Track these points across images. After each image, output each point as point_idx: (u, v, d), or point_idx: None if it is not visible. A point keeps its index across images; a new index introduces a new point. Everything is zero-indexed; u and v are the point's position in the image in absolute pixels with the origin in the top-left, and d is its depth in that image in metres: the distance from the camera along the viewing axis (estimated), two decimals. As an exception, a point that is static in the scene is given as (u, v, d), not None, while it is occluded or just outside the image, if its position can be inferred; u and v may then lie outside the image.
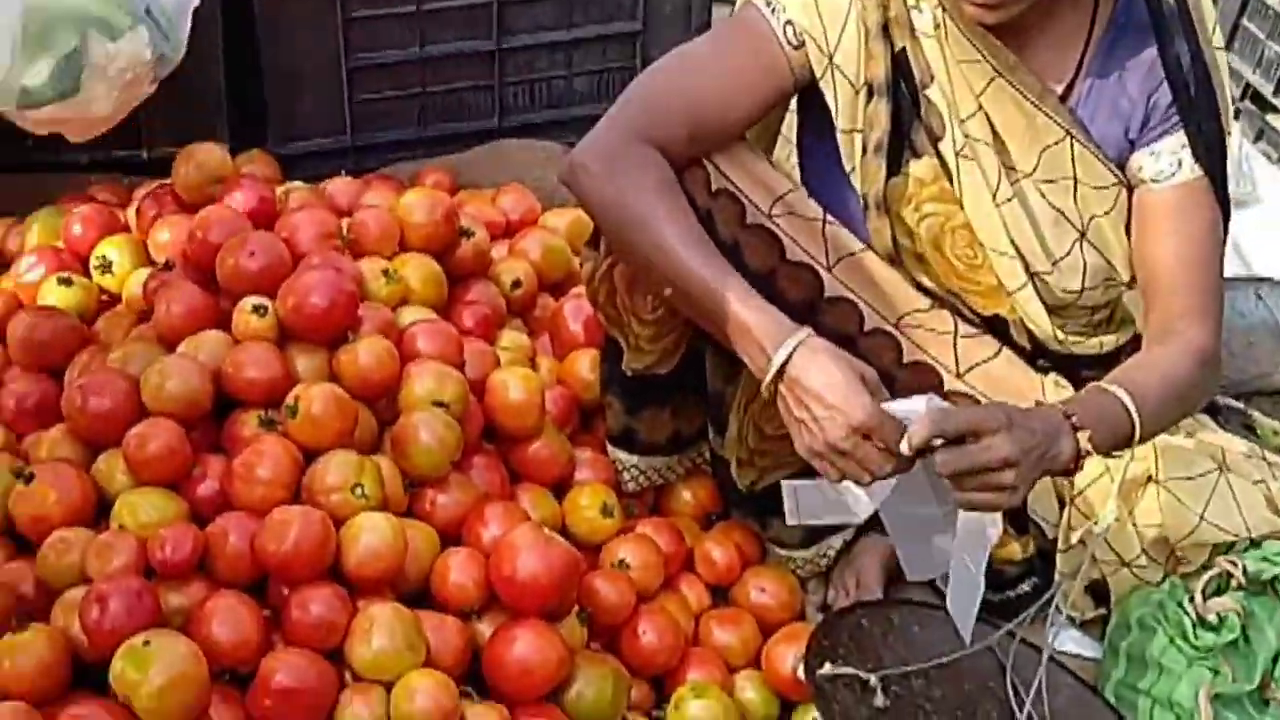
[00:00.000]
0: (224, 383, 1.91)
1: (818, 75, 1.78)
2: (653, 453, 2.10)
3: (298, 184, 2.45)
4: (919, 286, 1.86)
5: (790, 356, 1.60)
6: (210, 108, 2.67)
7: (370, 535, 1.77)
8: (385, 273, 2.11)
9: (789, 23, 1.76)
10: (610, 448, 2.11)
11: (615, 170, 1.70)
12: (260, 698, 1.66)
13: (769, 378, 1.62)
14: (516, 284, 2.33)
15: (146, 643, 1.60)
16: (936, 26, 1.76)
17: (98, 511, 1.84)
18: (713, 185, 1.79)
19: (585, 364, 2.19)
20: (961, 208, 1.81)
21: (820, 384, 1.57)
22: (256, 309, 1.97)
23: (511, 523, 1.87)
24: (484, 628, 1.82)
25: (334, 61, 2.73)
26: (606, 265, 1.90)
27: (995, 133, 1.80)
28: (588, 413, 2.22)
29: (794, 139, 2.01)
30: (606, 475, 2.12)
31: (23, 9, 2.10)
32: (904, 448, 1.54)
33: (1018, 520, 1.97)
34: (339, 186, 2.37)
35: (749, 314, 1.63)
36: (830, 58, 1.76)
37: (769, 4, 1.77)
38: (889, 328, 1.82)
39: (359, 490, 1.81)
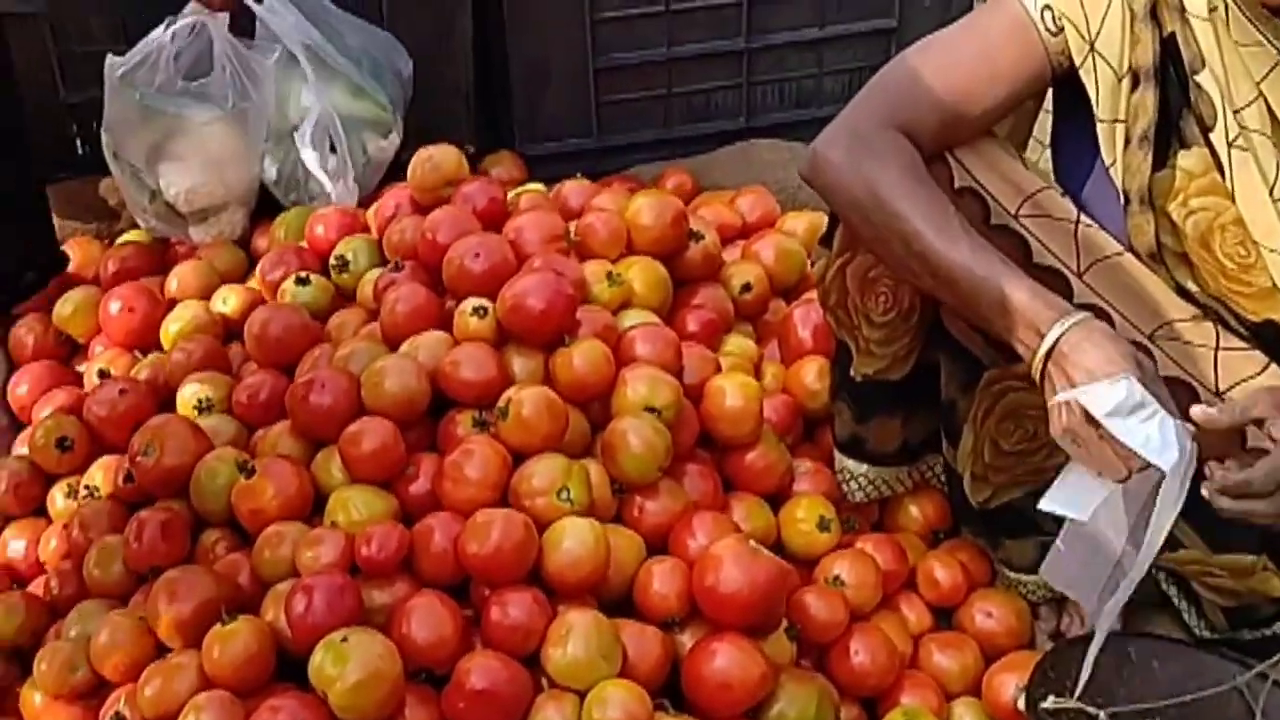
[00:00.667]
0: (441, 383, 1.93)
1: (1077, 62, 1.66)
2: (881, 462, 2.02)
3: (532, 186, 2.46)
4: (1181, 291, 1.72)
5: (1064, 333, 1.52)
6: (458, 109, 2.72)
7: (572, 541, 1.75)
8: (609, 275, 2.09)
9: (1047, 7, 1.65)
10: (838, 455, 2.03)
11: (860, 158, 1.63)
12: (455, 699, 1.65)
13: (1040, 354, 1.54)
14: (746, 288, 2.27)
15: (345, 639, 1.62)
16: (1213, 9, 1.63)
17: (316, 507, 1.88)
18: (956, 182, 1.70)
19: (812, 372, 2.12)
20: (1233, 202, 1.67)
21: (1094, 359, 1.50)
22: (476, 310, 1.97)
23: (719, 533, 1.82)
24: (685, 639, 1.78)
25: (581, 62, 2.74)
26: (838, 265, 1.82)
27: (1276, 122, 1.65)
28: (812, 423, 2.15)
29: (1047, 141, 1.90)
30: (826, 488, 2.04)
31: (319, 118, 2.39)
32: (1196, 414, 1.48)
33: (1278, 554, 1.80)
34: (572, 189, 2.37)
35: (1021, 294, 1.56)
36: (1091, 44, 1.65)
37: None
38: (1142, 339, 1.69)
39: (564, 494, 1.79)
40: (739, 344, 2.20)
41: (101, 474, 2.03)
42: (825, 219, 2.29)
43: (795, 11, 2.78)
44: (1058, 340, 1.53)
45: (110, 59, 2.30)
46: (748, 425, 1.99)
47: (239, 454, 1.92)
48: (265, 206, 2.51)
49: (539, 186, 2.41)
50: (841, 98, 2.86)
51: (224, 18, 2.26)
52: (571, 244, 2.14)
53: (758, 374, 2.18)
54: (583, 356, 1.92)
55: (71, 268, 2.45)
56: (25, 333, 2.34)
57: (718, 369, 2.07)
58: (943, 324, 1.80)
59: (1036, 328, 1.54)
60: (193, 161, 2.37)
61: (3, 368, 2.34)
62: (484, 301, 1.97)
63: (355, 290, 2.21)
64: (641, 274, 2.14)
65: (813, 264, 1.98)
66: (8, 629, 1.87)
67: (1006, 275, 1.57)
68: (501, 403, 1.86)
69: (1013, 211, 1.70)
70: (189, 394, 2.06)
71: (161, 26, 2.28)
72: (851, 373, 1.91)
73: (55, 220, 2.53)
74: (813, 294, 2.29)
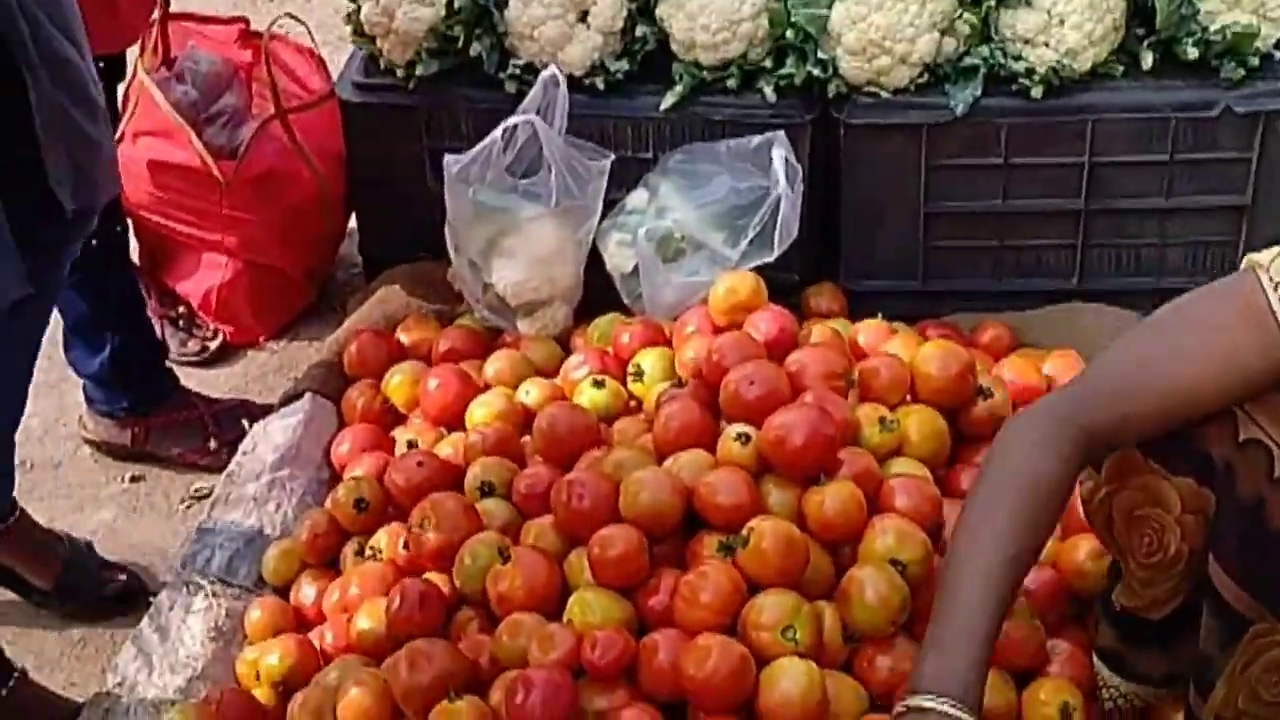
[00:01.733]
0: (695, 502, 1.99)
1: None
2: (1142, 682, 1.92)
3: (839, 321, 2.50)
4: None
5: (932, 710, 1.45)
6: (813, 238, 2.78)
7: (788, 681, 1.77)
8: (882, 420, 2.10)
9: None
10: (1096, 659, 1.95)
11: (1026, 436, 1.59)
12: (648, 815, 1.70)
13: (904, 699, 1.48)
14: (1035, 453, 2.22)
15: (551, 736, 1.70)
16: None
17: (564, 603, 1.97)
18: (1240, 435, 1.59)
19: (1084, 550, 2.05)
20: None
21: None
22: (740, 436, 2.03)
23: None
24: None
25: (913, 205, 2.76)
26: (1105, 493, 1.74)
27: None
28: (1081, 603, 2.08)
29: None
30: (1080, 675, 1.96)
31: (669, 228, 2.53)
32: None
33: None
34: (866, 328, 2.40)
35: (963, 645, 1.49)
36: None
37: (1270, 274, 1.52)
38: None
39: (790, 633, 1.81)
40: (1014, 509, 2.16)
41: (386, 538, 2.19)
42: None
43: (1140, 179, 2.70)
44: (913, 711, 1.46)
45: (448, 157, 2.50)
46: (1000, 592, 1.95)
47: (502, 539, 2.04)
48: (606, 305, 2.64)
49: (835, 324, 2.44)
50: (1185, 270, 2.76)
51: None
52: (850, 384, 2.17)
53: (1031, 543, 2.12)
54: (833, 498, 1.94)
55: (408, 343, 2.65)
56: (357, 396, 2.55)
57: (980, 531, 2.03)
58: (1212, 580, 1.71)
59: (918, 676, 1.48)
60: (521, 257, 2.54)
61: (333, 425, 2.56)
62: (749, 429, 2.03)
63: (644, 399, 2.31)
64: (918, 423, 2.14)
65: (1080, 483, 1.90)
66: (279, 669, 2.05)
67: (966, 617, 1.50)
68: (744, 531, 1.90)
69: None
70: (474, 475, 2.20)
71: (500, 128, 2.47)
72: (1114, 595, 1.84)
73: (404, 296, 2.75)
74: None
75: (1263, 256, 1.54)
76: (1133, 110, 2.65)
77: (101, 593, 2.34)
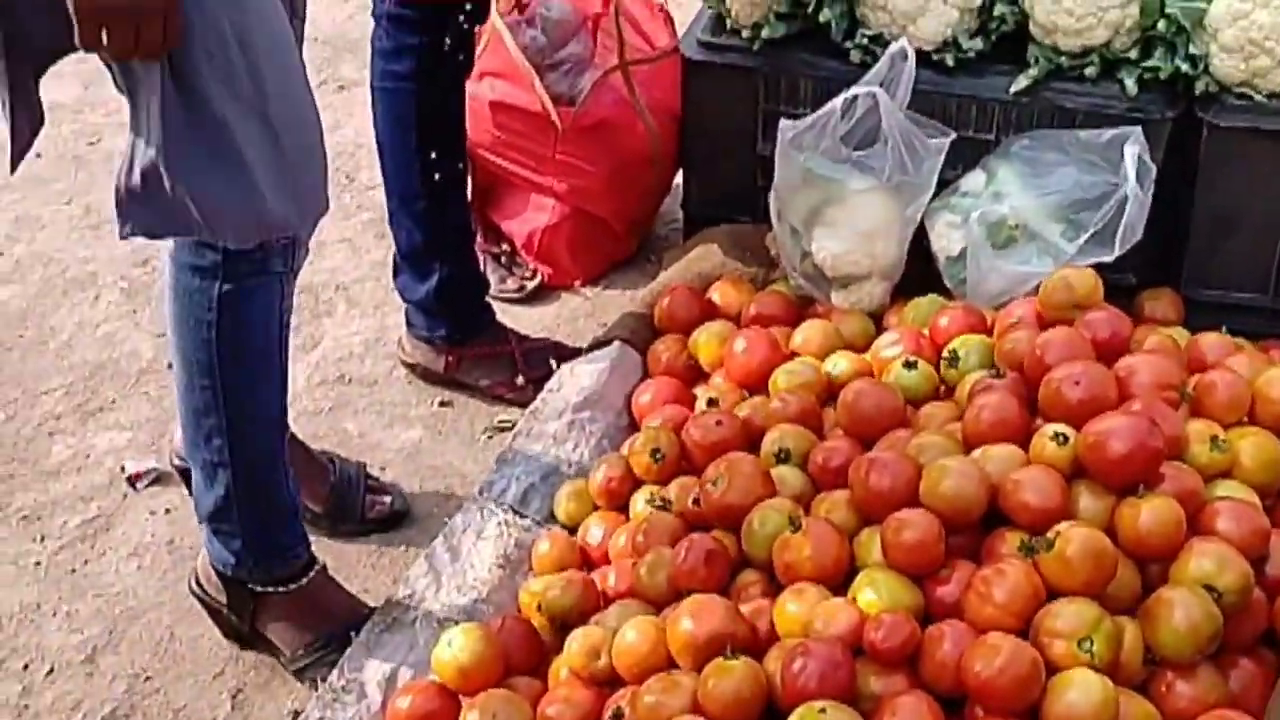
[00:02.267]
0: (1001, 498, 1.90)
1: None
2: None
3: (1177, 330, 2.36)
4: None
5: None
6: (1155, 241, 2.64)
7: (1078, 693, 1.67)
8: (1214, 439, 1.97)
9: None
10: None
11: None
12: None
13: None
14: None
15: (823, 710, 1.66)
16: None
17: (851, 580, 1.92)
18: None
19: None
20: None
21: None
22: (1057, 436, 1.93)
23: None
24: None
25: (1275, 217, 2.57)
26: None
27: None
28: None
29: None
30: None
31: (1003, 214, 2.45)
32: None
33: None
34: (1210, 341, 2.25)
35: None
36: None
37: None
38: None
39: (1086, 645, 1.72)
40: (1353, 553, 1.99)
41: (678, 490, 2.18)
42: None
43: None
44: None
45: (784, 122, 2.46)
46: (1323, 638, 1.80)
47: (794, 507, 2.00)
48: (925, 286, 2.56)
49: (1174, 333, 2.30)
50: None
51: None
52: (1185, 397, 2.03)
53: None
54: (1152, 512, 1.82)
55: (719, 302, 2.64)
56: (664, 349, 2.55)
57: (1311, 569, 1.88)
58: None
59: None
60: (844, 229, 2.49)
61: (638, 375, 2.57)
62: (1068, 429, 1.93)
63: (957, 386, 2.22)
64: (1254, 447, 1.99)
65: None
66: (561, 603, 2.06)
67: None
68: (1050, 533, 1.81)
69: None
70: (771, 441, 2.17)
71: (840, 97, 2.42)
72: None
73: (720, 256, 2.74)
74: None
75: None
76: None
77: (366, 515, 2.41)
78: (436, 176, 2.41)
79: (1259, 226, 2.58)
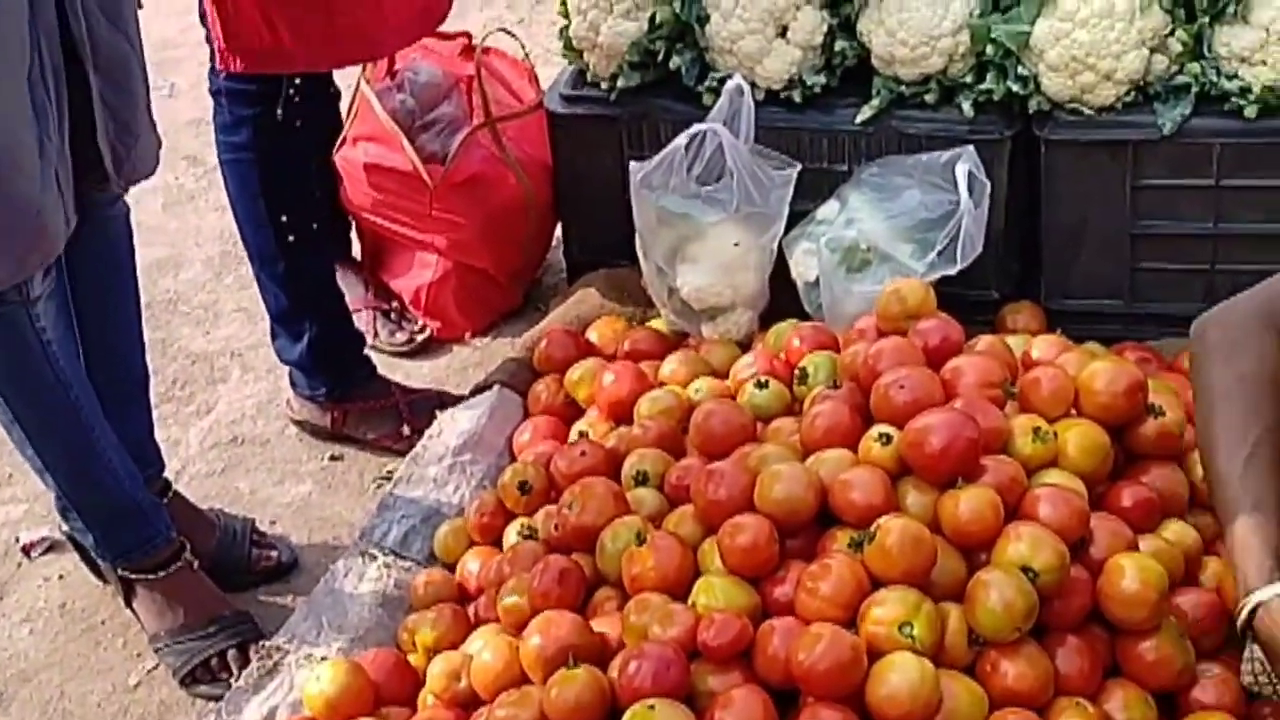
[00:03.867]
0: (830, 499, 1.99)
1: None
2: None
3: (1018, 336, 2.45)
4: None
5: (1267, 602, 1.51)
6: (987, 254, 2.74)
7: (898, 675, 1.76)
8: (1036, 430, 2.06)
9: None
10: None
11: (1218, 348, 1.62)
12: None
13: (1243, 610, 1.53)
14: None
15: (651, 707, 1.73)
16: None
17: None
18: None
19: (1252, 576, 1.95)
20: None
21: None
22: (881, 436, 2.02)
23: (1056, 714, 1.74)
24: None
25: (1119, 225, 2.68)
26: None
27: None
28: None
29: None
30: (1232, 704, 1.87)
31: (854, 239, 2.55)
32: None
33: None
34: (1041, 342, 2.34)
35: (1249, 538, 1.54)
36: None
37: None
38: None
39: (907, 629, 1.80)
40: (1179, 531, 2.07)
41: (544, 519, 2.27)
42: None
43: None
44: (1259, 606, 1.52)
45: (633, 164, 2.57)
46: (1142, 611, 1.88)
47: (642, 524, 2.08)
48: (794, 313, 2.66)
49: (1013, 338, 2.40)
50: None
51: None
52: (1009, 394, 2.13)
53: (1195, 566, 2.04)
54: (968, 502, 1.91)
55: (596, 342, 2.73)
56: (542, 389, 2.64)
57: (1133, 547, 1.97)
58: None
59: (1245, 580, 1.53)
60: (705, 263, 2.59)
61: (518, 416, 2.66)
62: (891, 430, 2.02)
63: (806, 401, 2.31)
64: (1079, 438, 2.08)
65: None
66: (432, 635, 2.14)
67: (1252, 512, 1.55)
68: (872, 528, 1.89)
69: None
70: (630, 465, 2.26)
71: (682, 135, 2.53)
72: None
73: (599, 299, 2.85)
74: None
75: None
76: (1356, 131, 2.51)
77: (253, 569, 2.50)
78: (291, 239, 2.52)
79: (1106, 234, 2.69)
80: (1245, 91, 2.52)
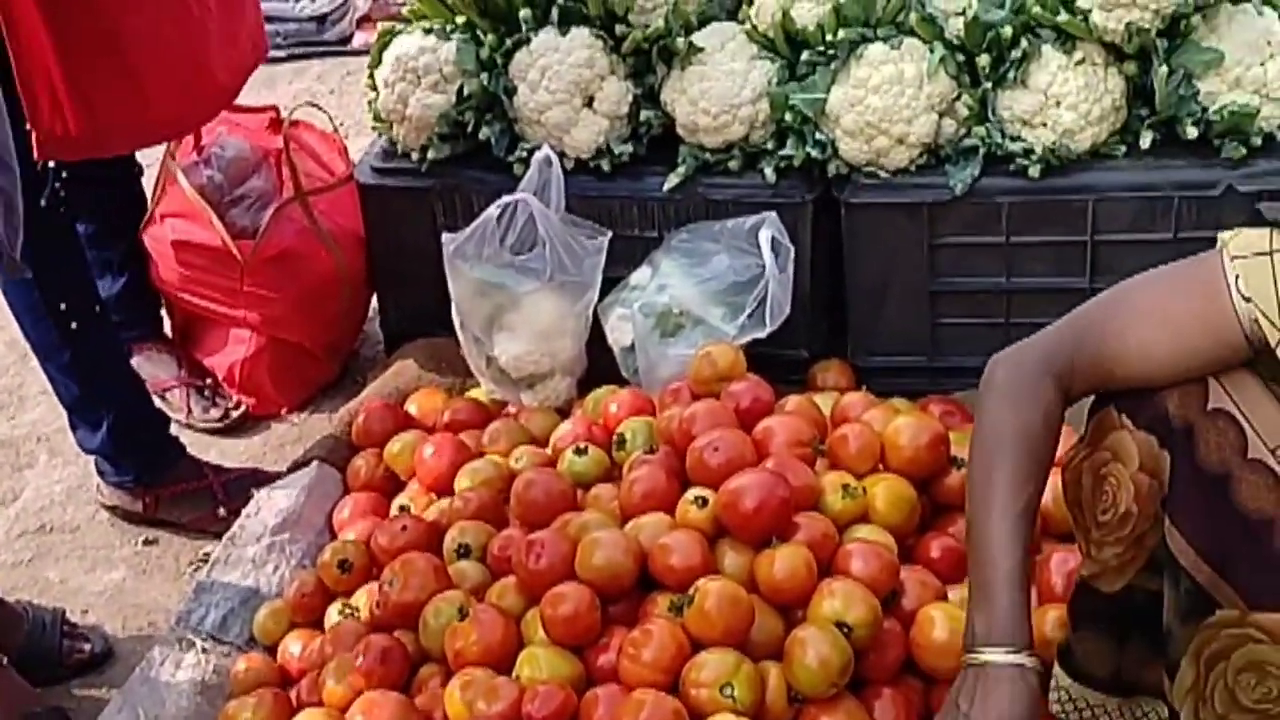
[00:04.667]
0: (650, 564, 2.02)
1: (1271, 342, 1.59)
2: (1087, 683, 1.90)
3: (826, 394, 2.53)
4: None
5: (989, 662, 1.58)
6: (796, 315, 2.82)
7: (720, 737, 1.79)
8: (846, 487, 2.12)
9: (1238, 276, 1.59)
10: (1056, 664, 1.95)
11: (1005, 391, 1.67)
12: None
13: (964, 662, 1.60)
14: (1013, 524, 2.22)
15: (478, 783, 1.73)
16: None
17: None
18: (1209, 402, 1.63)
19: (1052, 620, 2.04)
20: None
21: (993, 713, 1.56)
22: (698, 499, 2.06)
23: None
24: None
25: (919, 283, 2.78)
26: (1083, 455, 1.76)
27: None
28: (1044, 674, 2.05)
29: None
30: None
31: (667, 304, 2.61)
32: None
33: None
34: (850, 400, 2.42)
35: (1001, 593, 1.60)
36: None
37: (1230, 250, 1.61)
38: None
39: (728, 690, 1.83)
40: (984, 579, 2.15)
41: (365, 598, 2.25)
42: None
43: (1145, 257, 2.61)
44: (979, 664, 1.59)
45: (446, 236, 2.59)
46: (953, 660, 1.91)
47: (464, 598, 2.08)
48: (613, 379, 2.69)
49: (821, 397, 2.47)
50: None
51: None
52: (818, 452, 2.19)
53: (1000, 613, 2.12)
54: (783, 560, 1.96)
55: (416, 414, 2.73)
56: (361, 464, 2.62)
57: (941, 598, 2.04)
58: (1169, 546, 1.71)
59: (977, 628, 1.59)
60: (521, 331, 2.61)
61: (337, 492, 2.63)
62: (706, 492, 2.06)
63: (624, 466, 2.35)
64: (886, 492, 2.15)
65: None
66: (253, 720, 2.11)
67: (996, 569, 1.60)
68: (690, 590, 1.93)
69: (1272, 449, 1.61)
70: (451, 538, 2.26)
71: (493, 206, 2.56)
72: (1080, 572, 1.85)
73: (418, 370, 2.85)
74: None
75: (1228, 234, 1.62)
76: (1134, 189, 2.65)
77: (64, 662, 2.43)
78: (74, 326, 2.45)
79: (907, 292, 2.79)
80: (1029, 152, 2.64)
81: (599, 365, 2.74)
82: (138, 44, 2.25)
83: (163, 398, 2.93)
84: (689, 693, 1.85)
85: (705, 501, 2.06)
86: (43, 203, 2.34)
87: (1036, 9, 2.59)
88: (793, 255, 2.61)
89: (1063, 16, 2.58)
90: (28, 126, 2.20)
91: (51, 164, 2.34)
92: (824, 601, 1.93)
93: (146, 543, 2.70)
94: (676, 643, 1.89)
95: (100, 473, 2.70)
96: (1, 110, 1.98)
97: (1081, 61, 2.60)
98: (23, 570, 2.64)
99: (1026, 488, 1.63)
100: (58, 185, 2.39)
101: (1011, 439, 1.64)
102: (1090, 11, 2.57)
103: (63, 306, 2.45)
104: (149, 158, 3.04)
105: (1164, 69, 2.58)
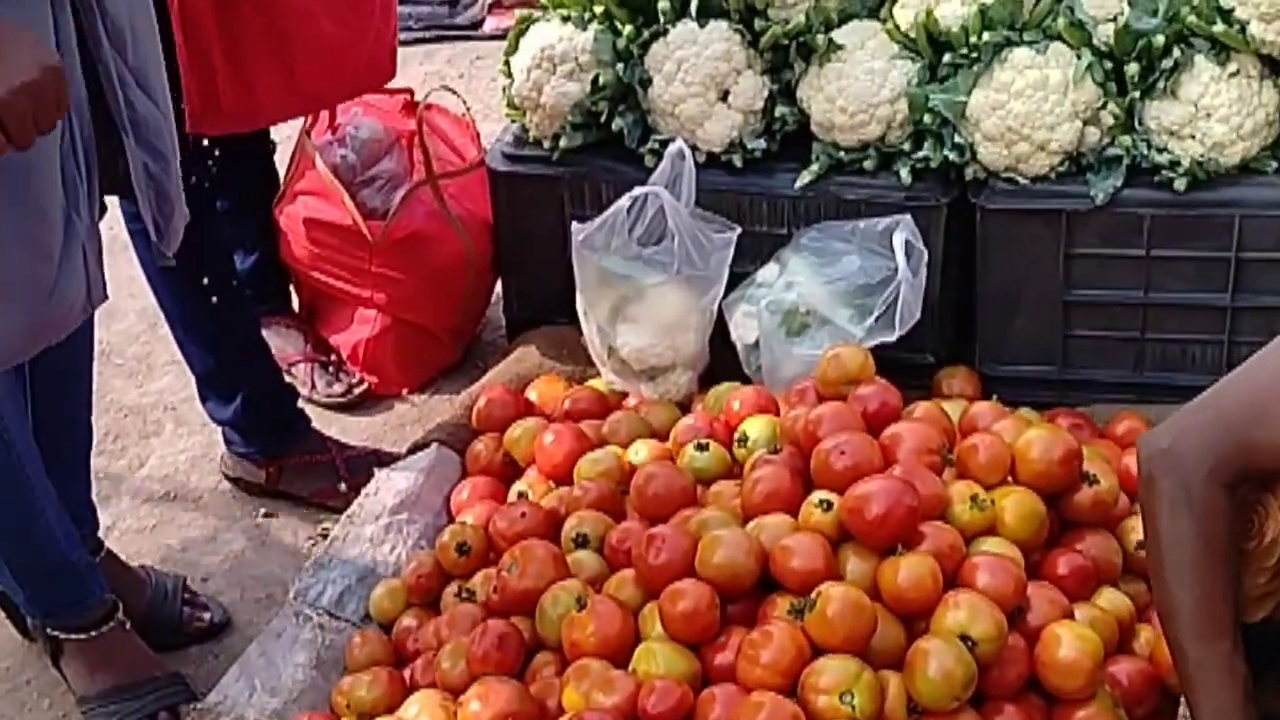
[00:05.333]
0: (771, 565, 2.00)
1: None
2: None
3: (955, 402, 2.48)
4: None
5: None
6: (925, 319, 2.78)
7: (838, 744, 1.76)
8: (974, 498, 2.08)
9: None
10: None
11: (1178, 509, 1.63)
12: None
13: None
14: (1143, 544, 2.16)
15: (592, 775, 1.72)
16: None
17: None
18: None
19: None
20: None
21: None
22: (822, 503, 2.04)
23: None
24: None
25: (1052, 293, 2.72)
26: None
27: None
28: (1174, 699, 2.00)
29: None
30: (1163, 770, 1.90)
31: (794, 302, 2.58)
32: None
33: None
34: (980, 410, 2.37)
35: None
36: None
37: None
38: None
39: (848, 699, 1.81)
40: (1112, 599, 2.11)
41: (482, 582, 2.25)
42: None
43: None
44: None
45: (575, 225, 2.59)
46: (1078, 680, 1.91)
47: (582, 588, 2.08)
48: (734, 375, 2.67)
49: (950, 404, 2.43)
50: (1342, 371, 2.66)
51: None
52: (948, 461, 2.15)
53: (1128, 634, 2.08)
54: (908, 569, 1.93)
55: (536, 401, 2.73)
56: (481, 448, 2.63)
57: (1068, 615, 1.99)
58: None
59: None
60: (645, 324, 2.60)
61: (456, 475, 2.64)
62: (831, 496, 2.03)
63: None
64: (1016, 505, 2.11)
65: None
66: (367, 699, 2.12)
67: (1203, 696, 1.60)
68: (813, 595, 1.90)
69: None
70: (570, 526, 2.25)
71: (625, 198, 2.54)
72: None
73: (539, 357, 2.85)
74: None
75: None
76: (1283, 207, 2.58)
77: (184, 630, 2.46)
78: (214, 300, 2.49)
79: (1039, 302, 2.73)
80: (1175, 164, 2.57)
81: (721, 361, 2.72)
82: (293, 17, 2.28)
83: (288, 372, 2.96)
84: (807, 698, 1.82)
85: (830, 505, 2.03)
86: (193, 181, 2.37)
87: (1192, 18, 2.52)
88: (925, 259, 2.57)
89: (1219, 27, 2.50)
90: (183, 105, 2.24)
91: (205, 143, 2.38)
92: (949, 613, 1.89)
93: (266, 515, 2.73)
94: (796, 646, 1.86)
95: (228, 442, 2.73)
96: (167, 102, 2.01)
97: (1236, 74, 2.53)
98: (146, 537, 2.68)
99: (1222, 586, 1.63)
100: (210, 163, 2.42)
101: (1202, 563, 1.62)
102: (1248, 23, 2.50)
103: (205, 281, 2.49)
104: (282, 135, 3.09)
105: (1322, 83, 2.50)
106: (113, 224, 3.48)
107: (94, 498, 2.45)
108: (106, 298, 2.02)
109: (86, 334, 2.27)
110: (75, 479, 2.34)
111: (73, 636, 2.24)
